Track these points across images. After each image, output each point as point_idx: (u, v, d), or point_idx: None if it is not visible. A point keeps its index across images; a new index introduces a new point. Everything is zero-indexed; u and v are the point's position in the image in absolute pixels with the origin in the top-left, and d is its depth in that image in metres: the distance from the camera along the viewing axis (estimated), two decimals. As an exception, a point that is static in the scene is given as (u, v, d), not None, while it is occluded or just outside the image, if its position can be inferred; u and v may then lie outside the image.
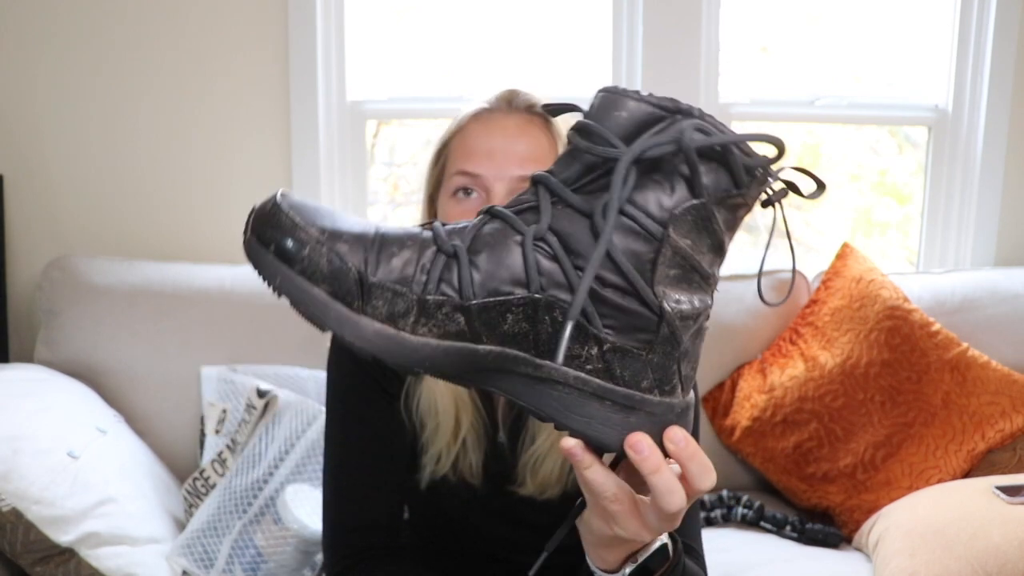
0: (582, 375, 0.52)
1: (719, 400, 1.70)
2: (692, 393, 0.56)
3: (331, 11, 1.86)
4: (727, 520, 1.55)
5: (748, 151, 0.52)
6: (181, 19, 1.81)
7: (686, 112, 0.52)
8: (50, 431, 1.32)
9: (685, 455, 0.54)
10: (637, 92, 0.53)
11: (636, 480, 0.57)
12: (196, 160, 1.86)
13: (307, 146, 1.85)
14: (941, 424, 1.58)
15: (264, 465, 1.40)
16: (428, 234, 0.53)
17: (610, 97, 0.53)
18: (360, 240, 0.51)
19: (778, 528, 1.51)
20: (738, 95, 1.97)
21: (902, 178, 2.14)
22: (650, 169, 0.52)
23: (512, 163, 0.87)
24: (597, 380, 0.52)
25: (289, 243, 0.50)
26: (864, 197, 2.15)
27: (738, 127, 2.00)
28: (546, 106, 0.62)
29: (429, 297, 0.51)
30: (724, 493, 1.59)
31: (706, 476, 0.54)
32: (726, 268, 1.96)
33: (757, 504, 1.55)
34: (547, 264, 0.51)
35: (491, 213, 0.54)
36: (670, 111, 0.52)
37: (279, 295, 0.51)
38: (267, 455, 1.41)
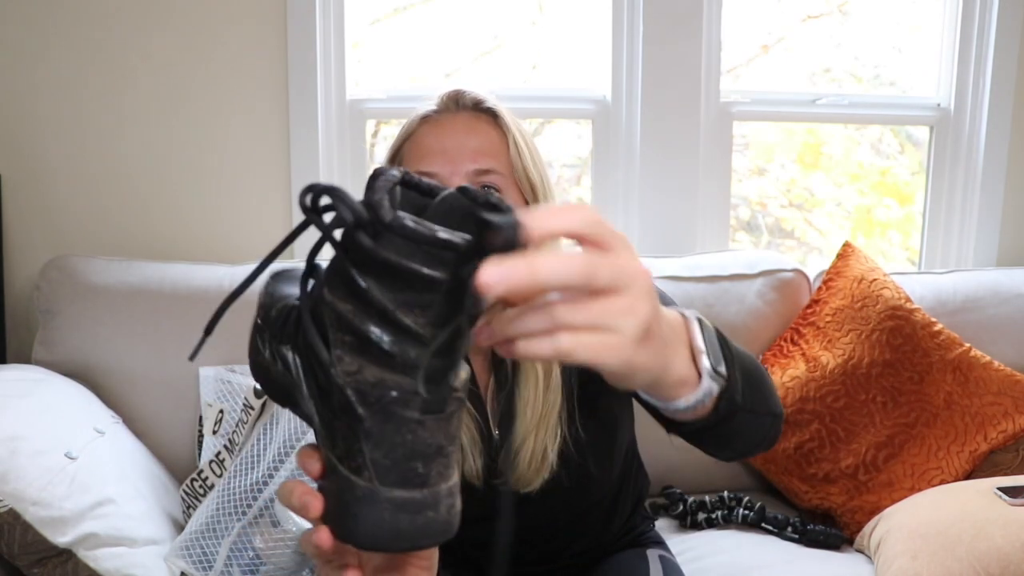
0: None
1: (720, 401, 1.69)
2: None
3: (331, 10, 1.85)
4: (728, 521, 1.54)
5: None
6: (180, 19, 1.80)
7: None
8: (48, 432, 1.31)
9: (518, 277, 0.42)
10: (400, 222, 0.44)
11: None
12: (195, 160, 1.85)
13: (306, 145, 1.85)
14: (943, 425, 1.57)
15: (263, 467, 1.39)
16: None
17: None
18: None
19: (779, 529, 1.51)
20: (739, 94, 1.96)
21: (904, 177, 2.13)
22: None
23: (466, 159, 0.92)
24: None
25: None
26: (866, 197, 2.15)
27: (739, 127, 1.99)
28: None
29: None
30: (725, 494, 1.58)
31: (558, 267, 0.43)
32: (726, 268, 1.94)
33: (758, 505, 1.54)
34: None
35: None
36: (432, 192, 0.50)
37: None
38: (266, 456, 1.41)
